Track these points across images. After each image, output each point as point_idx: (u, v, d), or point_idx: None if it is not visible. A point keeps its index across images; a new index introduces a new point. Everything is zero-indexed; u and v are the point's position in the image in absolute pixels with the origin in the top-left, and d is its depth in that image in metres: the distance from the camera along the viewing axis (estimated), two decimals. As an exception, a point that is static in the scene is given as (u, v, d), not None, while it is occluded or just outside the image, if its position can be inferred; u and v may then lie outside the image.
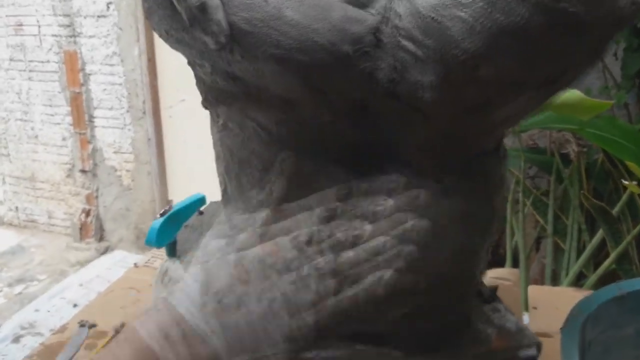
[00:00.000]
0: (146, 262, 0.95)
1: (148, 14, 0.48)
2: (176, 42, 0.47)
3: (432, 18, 0.38)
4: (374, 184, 0.48)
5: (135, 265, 0.94)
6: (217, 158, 0.55)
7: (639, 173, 0.92)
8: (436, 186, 0.47)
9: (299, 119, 0.46)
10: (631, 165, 0.93)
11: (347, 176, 0.48)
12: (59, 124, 2.57)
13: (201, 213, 0.62)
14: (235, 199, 0.53)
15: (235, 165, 0.52)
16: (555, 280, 1.61)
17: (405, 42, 0.40)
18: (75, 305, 0.89)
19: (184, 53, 0.48)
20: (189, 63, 0.49)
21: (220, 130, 0.52)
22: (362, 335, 0.50)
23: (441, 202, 0.47)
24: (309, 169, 0.48)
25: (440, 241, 0.48)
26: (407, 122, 0.44)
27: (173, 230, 0.69)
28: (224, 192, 0.55)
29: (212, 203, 0.63)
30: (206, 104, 0.52)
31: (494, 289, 0.65)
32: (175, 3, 0.42)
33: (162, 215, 0.77)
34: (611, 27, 0.37)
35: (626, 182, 0.95)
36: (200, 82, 0.51)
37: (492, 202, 0.50)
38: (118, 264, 1.04)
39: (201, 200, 0.82)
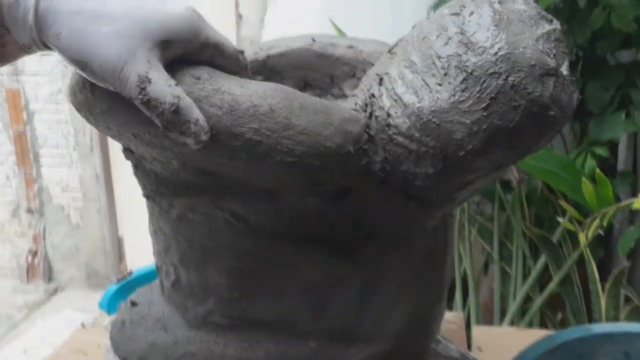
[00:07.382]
0: (94, 321, 0.94)
1: (105, 115, 0.45)
2: (145, 145, 0.45)
3: (432, 121, 0.43)
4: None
5: (83, 325, 0.92)
6: (167, 248, 0.53)
7: (571, 210, 0.97)
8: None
9: (281, 206, 0.47)
10: (566, 206, 0.98)
11: (330, 255, 0.49)
12: (1, 163, 2.50)
13: (134, 304, 0.57)
14: (195, 289, 0.52)
15: (197, 255, 0.51)
16: (504, 303, 1.66)
17: (400, 139, 0.44)
18: (19, 375, 0.86)
19: (146, 152, 0.46)
20: (127, 156, 0.48)
21: (175, 221, 0.50)
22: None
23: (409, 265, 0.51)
24: (291, 253, 0.49)
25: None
26: (389, 202, 0.48)
27: (128, 297, 0.67)
28: (176, 282, 0.54)
29: (139, 291, 0.58)
30: (153, 195, 0.50)
31: None
32: (145, 110, 0.41)
33: (119, 280, 0.74)
34: (567, 120, 0.45)
35: (561, 219, 1.00)
36: (146, 174, 0.49)
37: (449, 257, 0.55)
38: (65, 326, 1.01)
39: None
